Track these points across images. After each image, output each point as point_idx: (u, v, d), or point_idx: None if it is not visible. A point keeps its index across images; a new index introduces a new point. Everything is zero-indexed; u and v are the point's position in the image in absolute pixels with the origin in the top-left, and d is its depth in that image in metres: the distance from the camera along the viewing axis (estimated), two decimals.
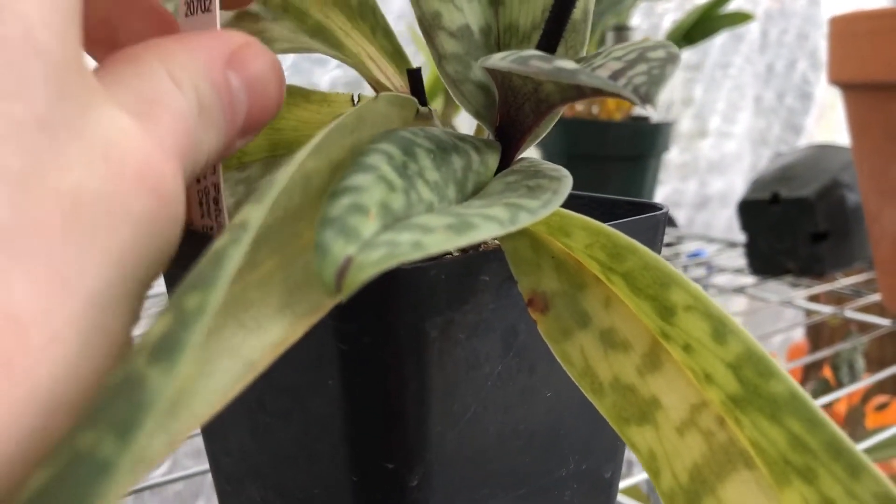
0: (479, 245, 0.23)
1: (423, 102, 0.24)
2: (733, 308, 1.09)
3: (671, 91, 0.89)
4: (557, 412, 0.25)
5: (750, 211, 0.76)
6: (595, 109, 0.89)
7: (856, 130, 0.63)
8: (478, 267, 0.21)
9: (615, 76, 0.17)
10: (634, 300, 0.20)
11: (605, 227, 0.20)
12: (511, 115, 0.23)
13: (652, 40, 0.19)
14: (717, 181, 1.17)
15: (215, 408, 0.14)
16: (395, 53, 0.25)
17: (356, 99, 0.27)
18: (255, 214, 0.14)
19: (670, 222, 1.03)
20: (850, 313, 0.70)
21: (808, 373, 1.07)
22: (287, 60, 0.82)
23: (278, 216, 0.17)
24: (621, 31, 0.94)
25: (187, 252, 0.16)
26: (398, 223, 0.16)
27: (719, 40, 1.15)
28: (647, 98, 0.16)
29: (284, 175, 0.15)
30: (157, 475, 0.74)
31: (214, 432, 0.29)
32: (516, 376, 0.23)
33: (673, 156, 1.14)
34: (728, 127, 1.18)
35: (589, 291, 0.21)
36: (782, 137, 1.26)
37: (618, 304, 0.21)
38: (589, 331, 0.21)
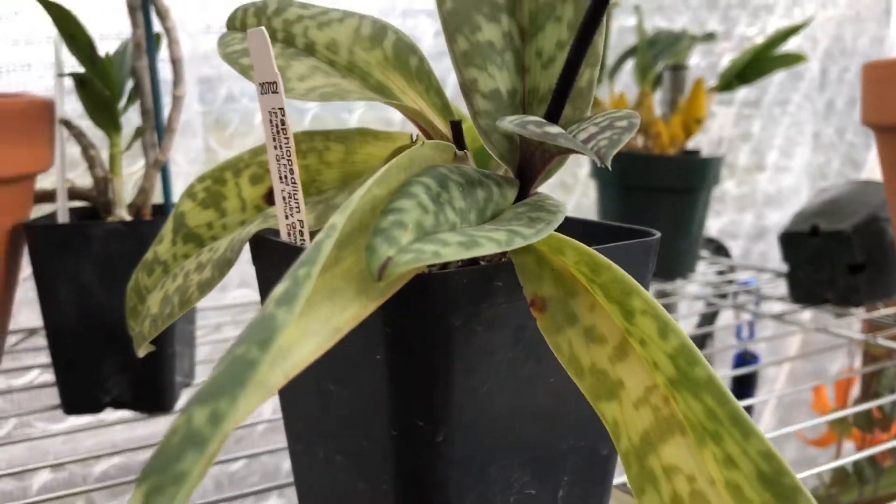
0: (495, 258, 0.30)
1: (462, 147, 0.31)
2: (785, 336, 1.12)
3: (721, 129, 0.93)
4: (560, 396, 0.31)
5: (791, 242, 0.80)
6: (650, 143, 0.94)
7: (887, 168, 0.68)
8: (493, 275, 0.28)
9: (588, 140, 0.24)
10: (608, 304, 0.26)
11: (588, 248, 0.26)
12: (527, 159, 0.30)
13: (620, 112, 0.25)
14: (774, 214, 1.20)
15: (312, 358, 0.21)
16: (444, 108, 0.32)
17: (414, 137, 0.34)
18: (340, 219, 0.21)
19: (723, 252, 1.07)
20: (882, 341, 0.74)
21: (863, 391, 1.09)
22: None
23: (354, 226, 0.24)
24: (677, 70, 0.99)
25: (283, 261, 0.23)
26: (426, 237, 0.23)
27: (777, 78, 1.19)
28: (603, 159, 0.22)
29: (357, 197, 0.22)
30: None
31: (289, 402, 0.36)
32: (524, 363, 0.30)
33: (730, 188, 1.18)
34: (786, 161, 1.21)
35: (578, 297, 0.28)
36: (842, 172, 1.29)
37: (599, 307, 0.27)
38: (576, 328, 0.27)
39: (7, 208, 0.50)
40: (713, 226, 1.16)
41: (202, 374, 0.66)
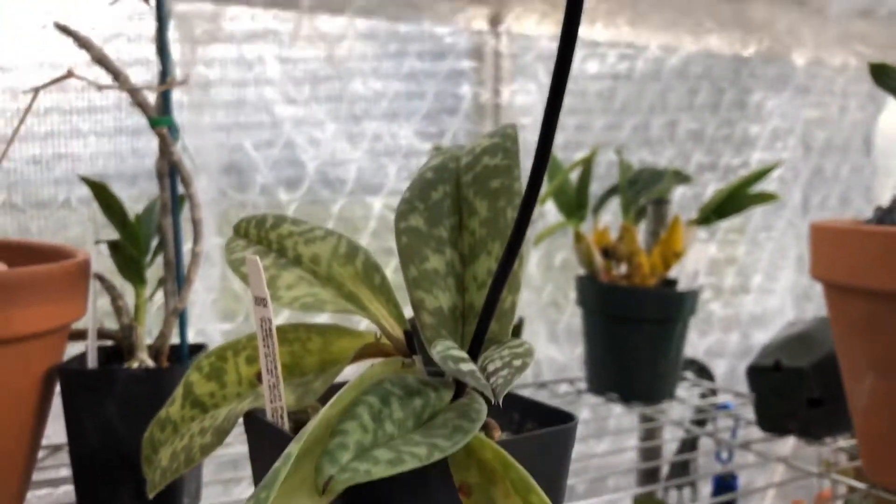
0: None
1: (413, 351, 0.39)
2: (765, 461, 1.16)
3: (696, 262, 1.01)
4: None
5: (756, 376, 0.87)
6: (633, 272, 1.02)
7: (831, 317, 0.74)
8: (429, 467, 0.35)
9: (489, 375, 0.31)
10: (515, 496, 0.33)
11: (501, 450, 0.34)
12: None
13: (522, 348, 0.33)
14: (759, 333, 1.26)
15: None
16: (399, 317, 0.40)
17: (378, 335, 0.42)
18: (294, 448, 0.28)
19: (706, 375, 1.13)
20: (836, 476, 0.79)
21: None
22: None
23: (312, 441, 0.31)
24: (660, 204, 1.07)
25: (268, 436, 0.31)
26: (364, 454, 0.30)
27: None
28: (496, 396, 0.30)
29: (313, 423, 0.30)
30: None
31: None
32: None
33: (716, 309, 1.25)
34: (770, 284, 1.28)
35: (497, 486, 0.35)
36: None
37: (513, 495, 0.34)
38: None
39: (45, 356, 0.58)
40: (700, 345, 1.23)
41: (207, 497, 0.73)
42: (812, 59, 1.28)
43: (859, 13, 1.29)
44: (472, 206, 0.40)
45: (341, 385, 0.39)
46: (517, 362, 0.31)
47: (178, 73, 0.92)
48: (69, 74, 0.60)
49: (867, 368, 0.70)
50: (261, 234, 0.44)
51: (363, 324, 0.98)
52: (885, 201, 0.76)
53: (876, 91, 1.34)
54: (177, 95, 0.91)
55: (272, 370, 0.39)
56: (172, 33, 0.89)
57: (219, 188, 0.91)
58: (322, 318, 0.92)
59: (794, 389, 0.83)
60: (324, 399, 0.40)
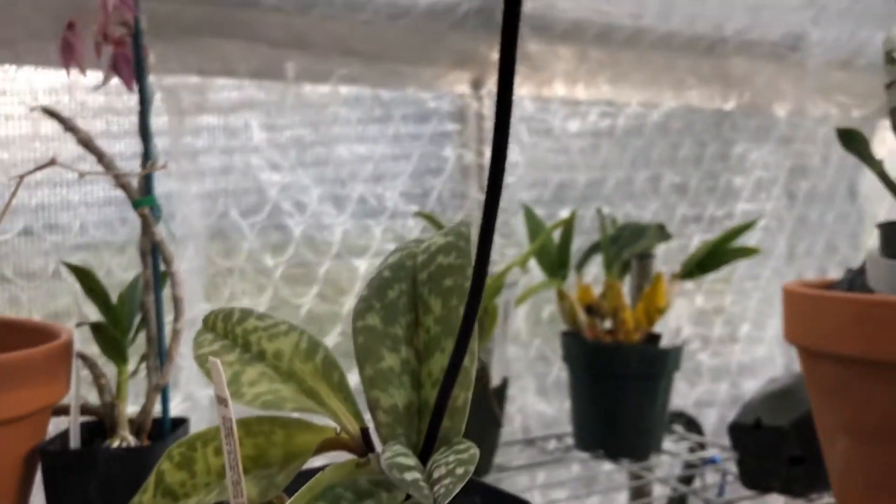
0: None
1: (370, 448, 0.40)
2: None
3: (678, 318, 1.02)
4: None
5: (738, 433, 0.87)
6: (617, 328, 1.03)
7: (806, 379, 0.75)
8: None
9: (434, 482, 0.32)
10: None
11: None
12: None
13: (467, 454, 0.34)
14: (748, 382, 1.27)
15: None
16: (357, 413, 0.41)
17: (338, 430, 0.43)
18: None
19: (695, 428, 1.14)
20: None
21: None
22: None
23: None
24: (644, 258, 1.09)
25: None
26: None
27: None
28: None
29: None
30: None
31: None
32: None
33: (704, 360, 1.26)
34: (758, 333, 1.29)
35: None
36: None
37: None
38: None
39: (28, 437, 0.60)
40: (690, 396, 1.23)
41: None
42: (793, 111, 1.31)
43: (838, 64, 1.31)
44: (427, 304, 0.41)
45: (307, 473, 0.40)
46: (460, 470, 0.33)
47: (166, 142, 0.95)
48: (52, 162, 0.62)
49: (841, 432, 0.71)
50: (227, 329, 0.45)
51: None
52: (870, 246, 0.78)
53: None
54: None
55: (234, 467, 0.40)
56: (160, 105, 0.92)
57: (206, 255, 0.92)
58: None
59: (774, 447, 0.84)
60: (289, 490, 0.41)
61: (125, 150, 0.92)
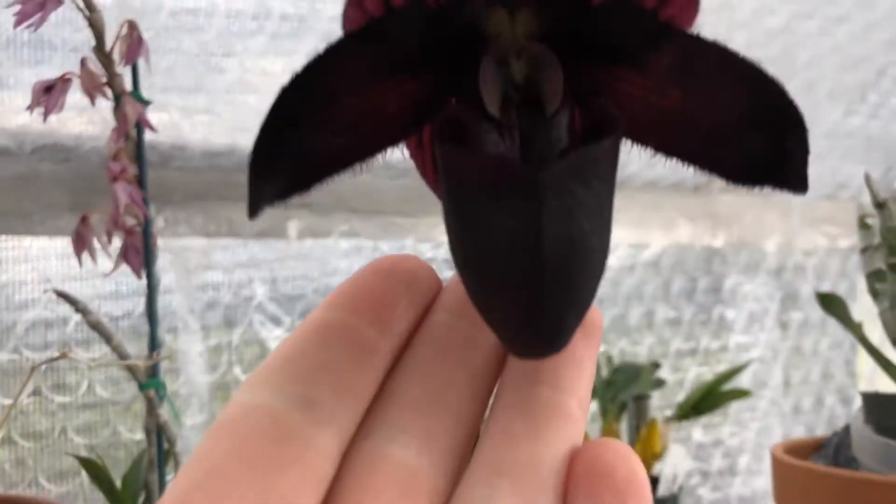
0: None
1: None
2: None
3: (675, 466, 1.03)
4: None
5: None
6: None
7: None
8: None
9: None
10: None
11: None
12: None
13: None
14: None
15: None
16: None
17: None
18: None
19: None
20: None
21: None
22: None
23: None
24: (640, 399, 1.11)
25: None
26: None
27: (746, 380, 1.30)
28: None
29: None
30: None
31: None
32: None
33: (704, 494, 1.26)
34: (757, 465, 1.30)
35: None
36: None
37: None
38: None
39: None
40: None
41: None
42: (782, 244, 1.34)
43: (824, 197, 1.36)
44: None
45: None
46: None
47: (173, 300, 0.98)
48: (63, 355, 0.65)
49: None
50: None
51: None
52: (864, 384, 0.79)
53: (848, 268, 1.40)
54: (169, 323, 0.96)
55: None
56: (167, 265, 0.96)
57: (210, 412, 0.95)
58: None
59: None
60: None
61: (133, 309, 0.96)
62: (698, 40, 0.24)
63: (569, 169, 0.24)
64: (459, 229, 0.25)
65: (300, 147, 0.24)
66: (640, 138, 0.28)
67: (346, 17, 0.23)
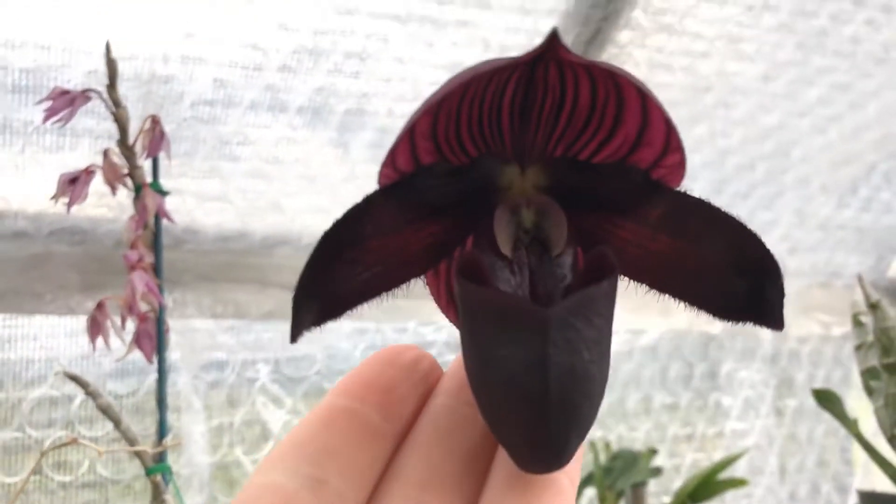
0: None
1: None
2: None
3: None
4: None
5: None
6: None
7: None
8: None
9: None
10: None
11: None
12: None
13: None
14: None
15: None
16: None
17: None
18: None
19: None
20: None
21: None
22: None
23: None
24: (637, 487, 1.11)
25: None
26: None
27: (740, 474, 1.31)
28: None
29: None
30: None
31: None
32: None
33: None
34: None
35: None
36: None
37: None
38: None
39: None
40: None
41: None
42: (777, 331, 1.36)
43: (818, 286, 1.38)
44: None
45: None
46: None
47: (178, 378, 1.00)
48: (72, 441, 0.66)
49: None
50: None
51: None
52: (860, 471, 0.79)
53: (841, 355, 1.42)
54: (173, 402, 0.98)
55: None
56: (175, 345, 0.97)
57: (210, 493, 0.95)
58: None
59: None
60: None
61: (138, 388, 0.97)
62: (686, 197, 0.27)
63: (572, 307, 0.26)
64: (474, 355, 0.27)
65: (335, 283, 0.27)
66: (636, 277, 0.30)
67: (382, 175, 0.26)
